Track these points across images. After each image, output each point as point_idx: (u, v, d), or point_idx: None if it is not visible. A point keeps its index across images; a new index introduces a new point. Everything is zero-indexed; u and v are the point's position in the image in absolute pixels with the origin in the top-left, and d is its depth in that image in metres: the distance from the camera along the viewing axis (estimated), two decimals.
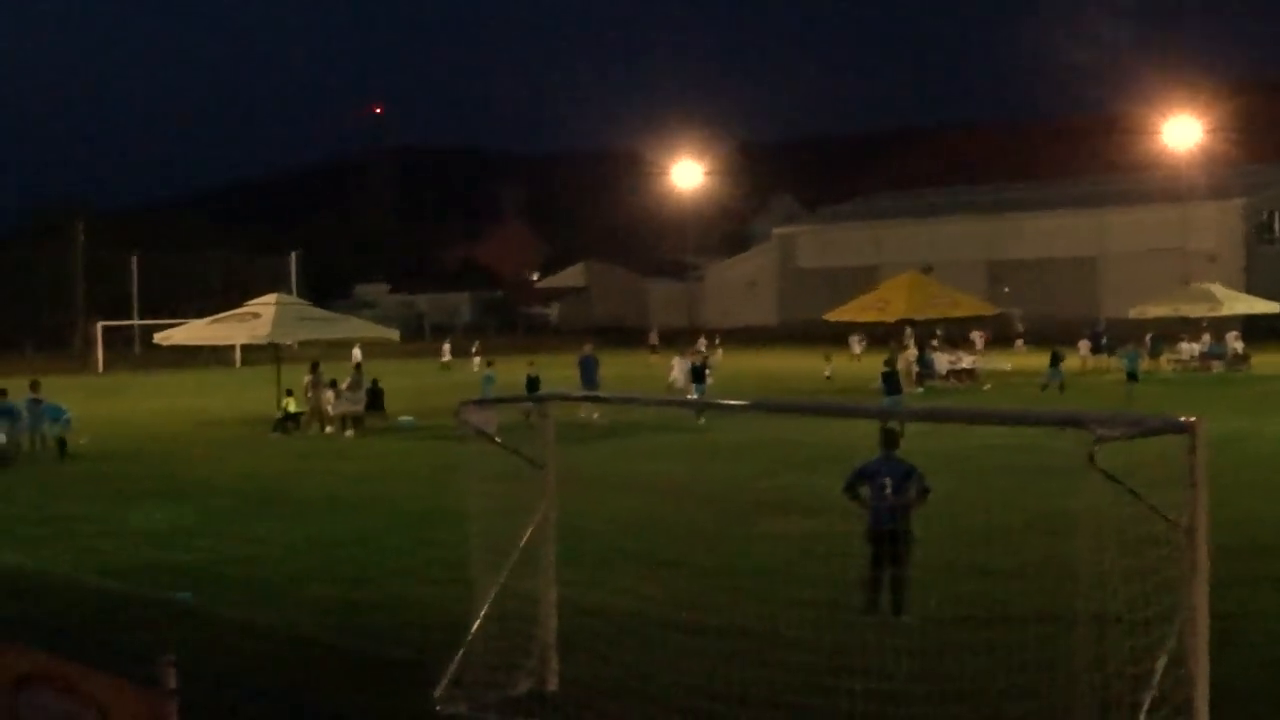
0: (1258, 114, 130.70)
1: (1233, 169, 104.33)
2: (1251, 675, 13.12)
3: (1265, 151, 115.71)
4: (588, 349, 44.39)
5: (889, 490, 15.19)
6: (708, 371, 44.25)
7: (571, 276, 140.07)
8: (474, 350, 53.63)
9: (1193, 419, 9.49)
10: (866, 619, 14.43)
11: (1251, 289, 78.01)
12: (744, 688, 11.46)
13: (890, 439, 15.63)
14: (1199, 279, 73.94)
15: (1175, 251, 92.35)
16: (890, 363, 38.83)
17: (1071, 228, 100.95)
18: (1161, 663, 9.49)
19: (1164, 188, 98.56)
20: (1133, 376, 47.32)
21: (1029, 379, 53.01)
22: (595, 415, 37.24)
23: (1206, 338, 63.30)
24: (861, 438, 16.32)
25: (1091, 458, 8.88)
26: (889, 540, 14.92)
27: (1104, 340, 62.92)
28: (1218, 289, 68.87)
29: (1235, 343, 62.71)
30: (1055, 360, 49.62)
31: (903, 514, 15.19)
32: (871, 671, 11.16)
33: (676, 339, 76.87)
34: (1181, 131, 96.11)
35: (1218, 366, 60.41)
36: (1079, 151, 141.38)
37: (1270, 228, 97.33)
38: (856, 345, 64.36)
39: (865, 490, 15.43)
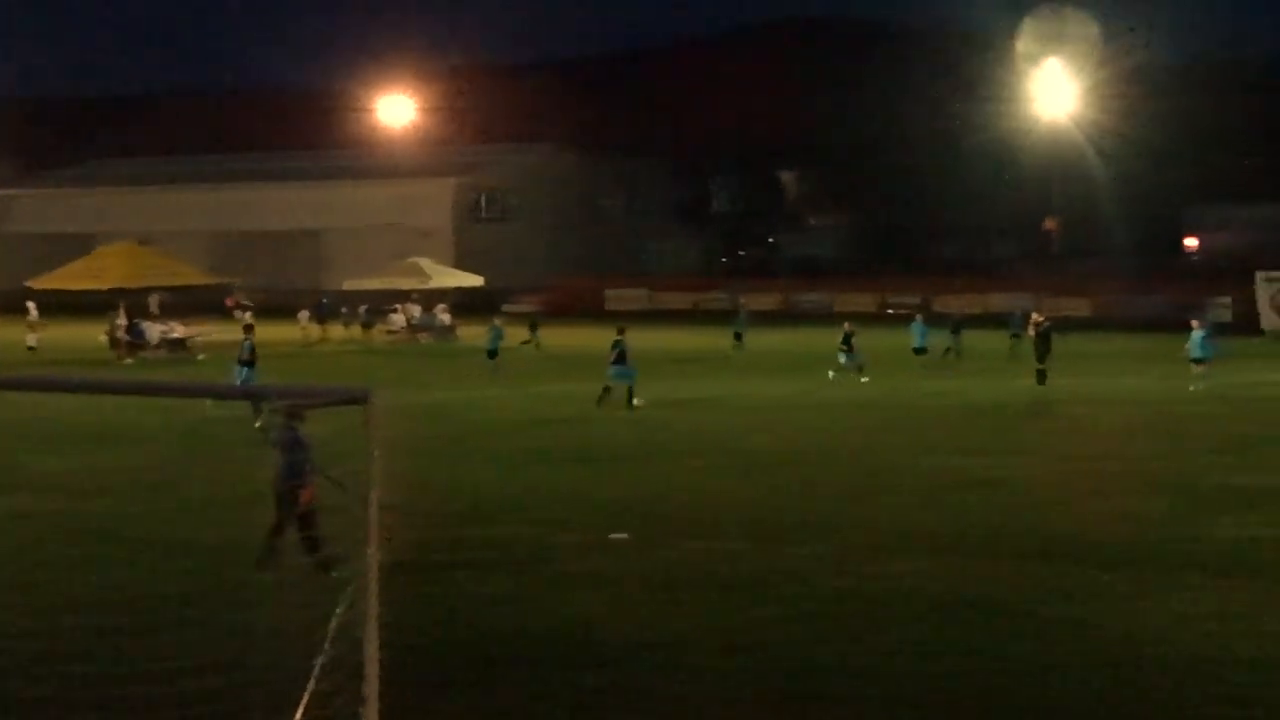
0: (469, 96, 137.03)
1: (451, 148, 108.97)
2: (443, 633, 13.94)
3: (476, 133, 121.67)
4: None
5: (279, 455, 15.94)
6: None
7: None
8: None
9: (368, 389, 9.69)
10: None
11: (463, 264, 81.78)
12: None
13: (294, 412, 15.98)
14: (416, 254, 76.56)
15: (394, 227, 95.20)
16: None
17: (298, 201, 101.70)
18: (333, 625, 9.81)
19: (384, 165, 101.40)
20: (493, 354, 46.04)
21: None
22: None
23: (417, 310, 65.90)
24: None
25: (265, 430, 9.06)
26: (283, 500, 15.82)
27: (337, 312, 64.59)
28: (427, 263, 71.79)
29: (444, 315, 65.68)
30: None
31: (291, 476, 15.77)
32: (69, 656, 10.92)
33: None
34: (399, 110, 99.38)
35: (427, 338, 63.04)
36: (306, 125, 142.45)
37: (480, 206, 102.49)
38: (33, 310, 60.27)
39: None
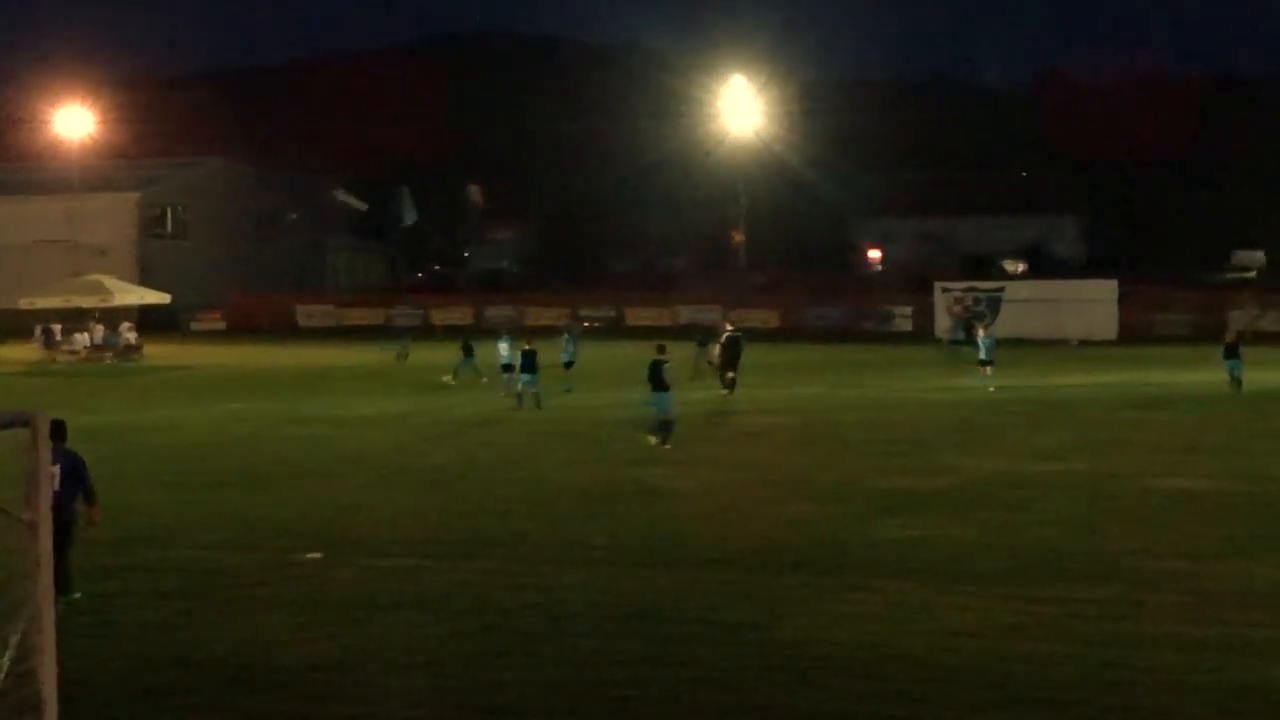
0: (150, 109, 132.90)
1: (126, 162, 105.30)
2: (112, 661, 13.59)
3: (157, 147, 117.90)
4: None
5: (56, 480, 15.02)
6: None
7: None
8: None
9: (35, 412, 9.48)
10: None
11: (145, 281, 79.35)
12: None
13: (58, 430, 15.32)
14: (92, 271, 73.93)
15: (67, 243, 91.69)
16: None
17: None
18: (8, 658, 9.47)
19: (55, 179, 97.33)
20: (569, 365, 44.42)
21: None
22: None
23: (100, 329, 63.71)
24: None
25: None
26: (59, 528, 14.77)
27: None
28: (110, 280, 69.32)
29: (128, 333, 63.72)
30: (468, 350, 47.38)
31: (67, 503, 15.31)
32: None
33: None
34: (72, 123, 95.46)
35: (110, 357, 61.08)
36: None
37: (163, 221, 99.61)
38: None
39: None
